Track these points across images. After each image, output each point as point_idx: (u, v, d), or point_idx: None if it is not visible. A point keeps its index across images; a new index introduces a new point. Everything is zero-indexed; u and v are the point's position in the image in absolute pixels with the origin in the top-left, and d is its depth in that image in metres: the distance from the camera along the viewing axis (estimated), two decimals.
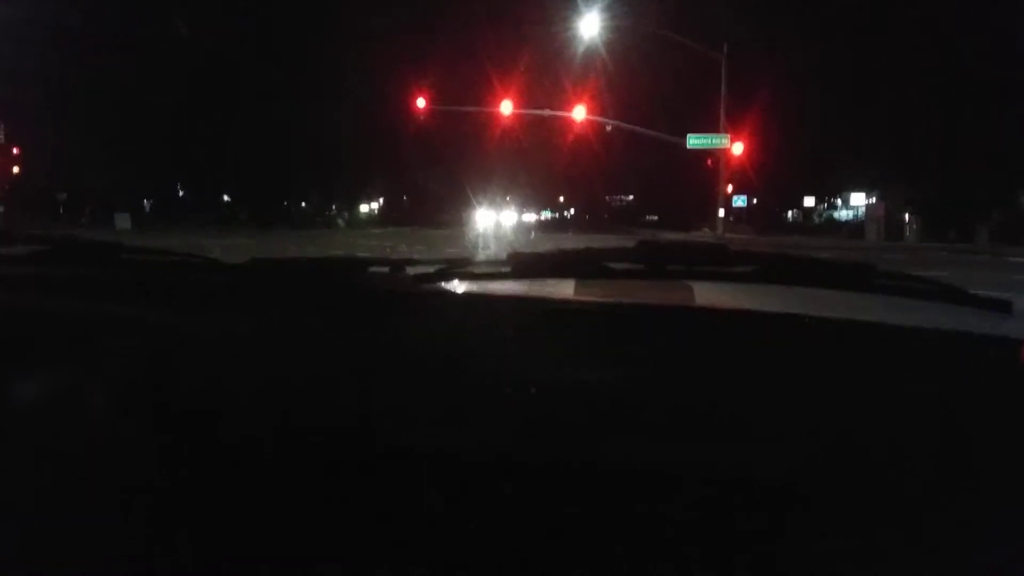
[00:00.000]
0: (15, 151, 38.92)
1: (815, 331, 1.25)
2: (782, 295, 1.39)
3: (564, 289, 1.49)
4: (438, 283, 1.39)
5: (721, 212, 28.51)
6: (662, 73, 33.05)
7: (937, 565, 0.74)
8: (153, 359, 1.10)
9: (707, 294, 1.48)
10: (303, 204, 61.29)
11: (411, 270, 1.46)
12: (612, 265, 1.36)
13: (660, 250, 1.37)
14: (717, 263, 1.36)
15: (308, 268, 1.52)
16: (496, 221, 41.21)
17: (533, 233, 32.59)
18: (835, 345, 1.21)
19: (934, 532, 0.77)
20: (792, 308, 1.30)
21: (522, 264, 1.42)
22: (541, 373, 1.08)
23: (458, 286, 1.44)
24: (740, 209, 34.65)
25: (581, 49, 26.63)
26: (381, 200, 68.86)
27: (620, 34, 26.98)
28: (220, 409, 0.97)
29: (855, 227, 35.07)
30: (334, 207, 60.44)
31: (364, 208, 64.49)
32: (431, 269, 1.40)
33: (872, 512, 0.81)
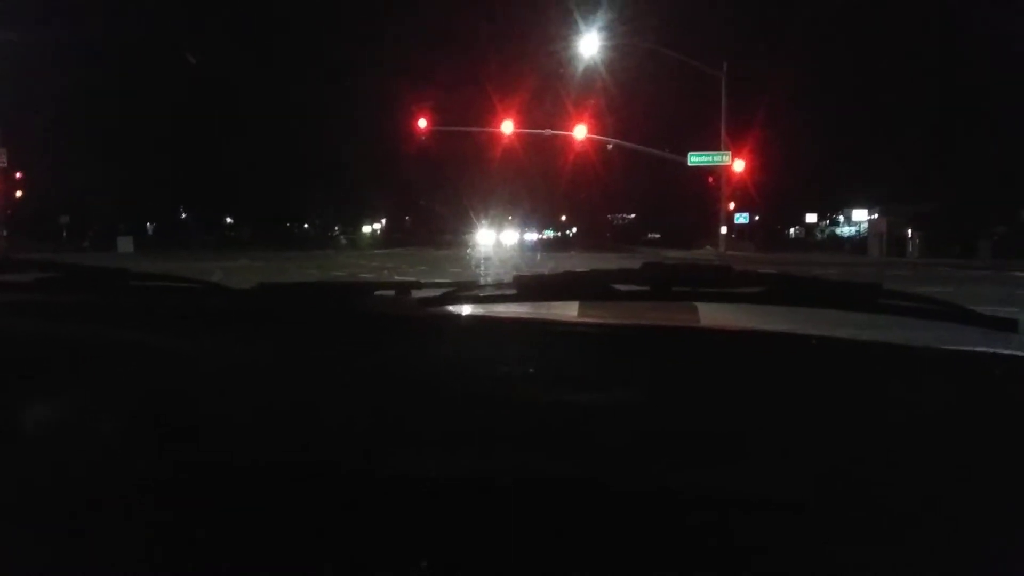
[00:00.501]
0: (18, 175, 39.09)
1: (821, 350, 1.26)
2: (787, 315, 1.39)
3: (569, 311, 1.49)
4: (443, 307, 1.39)
5: (723, 229, 28.53)
6: (663, 92, 33.20)
7: None
8: (157, 386, 1.11)
9: (712, 315, 1.49)
10: (305, 226, 61.47)
11: (417, 294, 1.47)
12: (618, 287, 1.36)
13: (665, 272, 1.37)
14: (722, 284, 1.36)
15: (313, 293, 1.53)
16: (497, 241, 41.29)
17: (539, 255, 32.56)
18: (841, 365, 1.21)
19: (941, 548, 0.78)
20: (797, 328, 1.30)
21: (527, 287, 1.42)
22: (548, 396, 1.09)
23: (463, 309, 1.44)
24: (742, 226, 34.66)
25: (581, 68, 26.77)
26: (383, 221, 69.02)
27: (620, 53, 27.12)
28: (225, 437, 0.97)
29: (857, 243, 35.06)
30: (336, 228, 60.61)
31: (367, 229, 64.66)
32: (437, 292, 1.40)
33: (878, 529, 0.81)
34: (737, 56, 27.83)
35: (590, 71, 27.13)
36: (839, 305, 1.30)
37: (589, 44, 26.10)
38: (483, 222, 42.51)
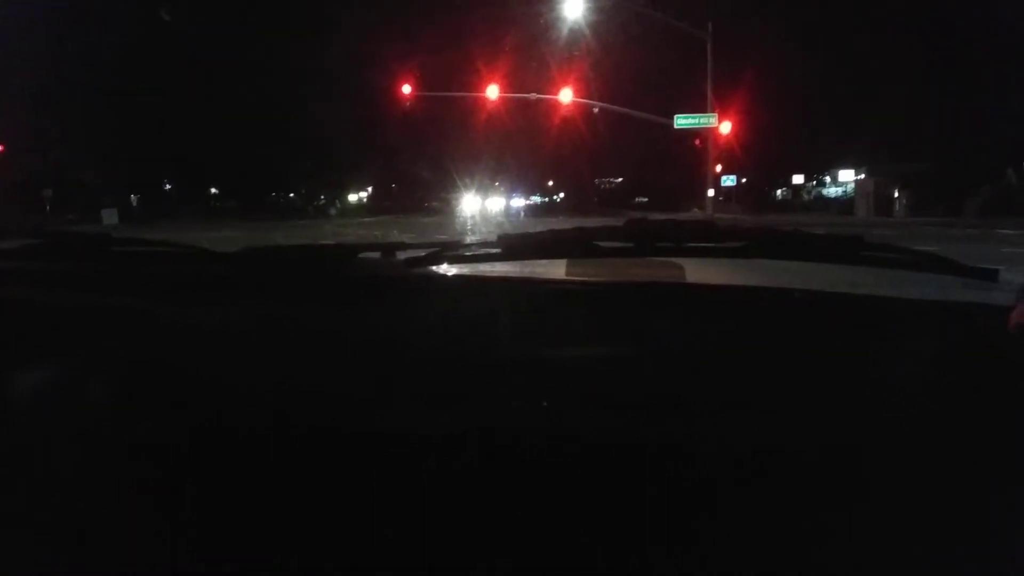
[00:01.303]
0: None
1: (804, 304, 1.26)
2: (777, 274, 1.40)
3: (555, 270, 1.50)
4: (429, 267, 1.39)
5: (710, 192, 28.50)
6: (648, 54, 32.95)
7: (925, 530, 0.75)
8: (142, 350, 1.10)
9: (697, 271, 1.49)
10: (291, 195, 61.04)
11: (402, 255, 1.46)
12: (601, 244, 1.36)
13: (648, 228, 1.37)
14: (705, 239, 1.36)
15: (299, 256, 1.52)
16: (484, 206, 41.18)
17: (523, 215, 32.39)
18: (824, 317, 1.22)
19: (926, 497, 0.78)
20: (781, 282, 1.31)
21: (512, 246, 1.42)
22: (535, 352, 1.09)
23: (449, 269, 1.44)
24: (729, 188, 34.61)
25: (566, 31, 26.58)
26: (370, 189, 68.61)
27: (605, 15, 26.89)
28: (214, 399, 0.97)
29: (844, 204, 35.10)
30: (323, 197, 60.24)
31: (353, 197, 64.28)
32: (422, 253, 1.40)
33: (863, 480, 0.82)
34: (723, 17, 27.62)
35: (575, 34, 26.96)
36: (822, 258, 1.31)
37: (574, 6, 25.88)
38: (470, 189, 42.35)
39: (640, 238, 1.35)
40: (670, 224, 1.38)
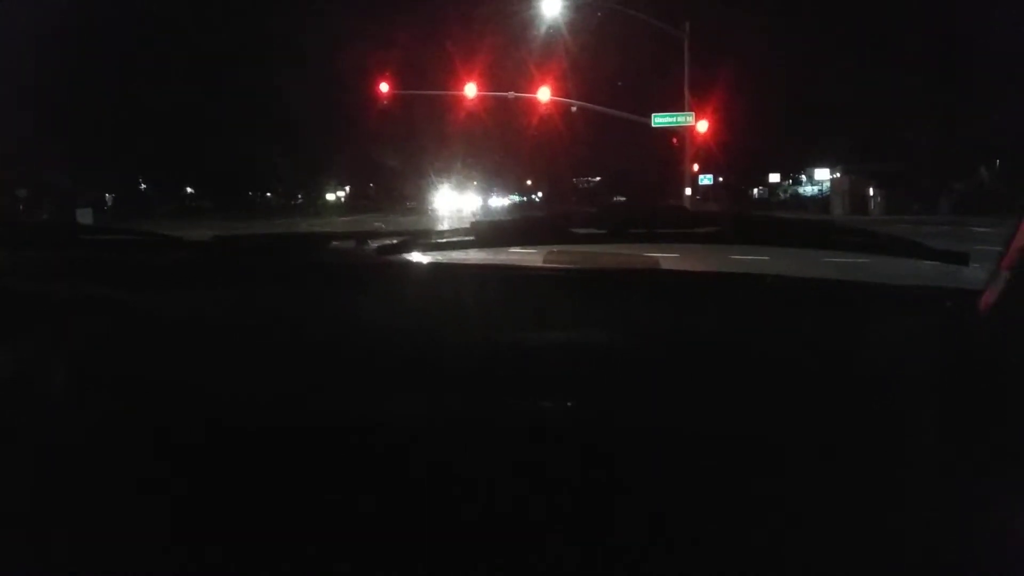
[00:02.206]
0: None
1: (777, 289, 1.27)
2: (762, 263, 1.40)
3: (529, 257, 1.49)
4: (401, 254, 1.38)
5: (688, 191, 28.60)
6: (626, 52, 33.02)
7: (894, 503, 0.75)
8: (113, 337, 1.09)
9: (673, 257, 1.49)
10: (268, 194, 60.70)
11: (374, 243, 1.45)
12: (576, 231, 1.36)
13: (622, 213, 1.37)
14: (678, 225, 1.36)
15: (270, 244, 1.51)
16: (462, 206, 41.13)
17: (504, 214, 32.40)
18: (796, 301, 1.22)
19: (892, 474, 0.79)
20: (755, 268, 1.31)
21: (485, 232, 1.42)
22: (508, 337, 1.09)
23: (422, 257, 1.44)
24: (707, 187, 34.77)
25: (544, 29, 26.57)
26: (347, 188, 68.33)
27: (582, 14, 26.93)
28: (183, 385, 0.96)
29: (821, 202, 35.37)
30: (300, 196, 59.93)
31: (331, 196, 63.98)
32: (394, 241, 1.39)
33: (836, 458, 0.82)
34: (701, 16, 27.75)
35: (553, 32, 26.96)
36: (794, 243, 1.31)
37: (551, 4, 25.89)
38: (448, 188, 42.28)
39: (614, 224, 1.35)
40: (644, 210, 1.38)
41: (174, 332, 1.10)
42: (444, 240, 1.41)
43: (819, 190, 41.77)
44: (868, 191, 29.93)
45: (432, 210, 36.66)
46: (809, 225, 1.36)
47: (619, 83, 32.22)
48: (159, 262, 1.39)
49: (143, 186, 52.28)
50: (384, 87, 26.73)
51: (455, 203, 40.59)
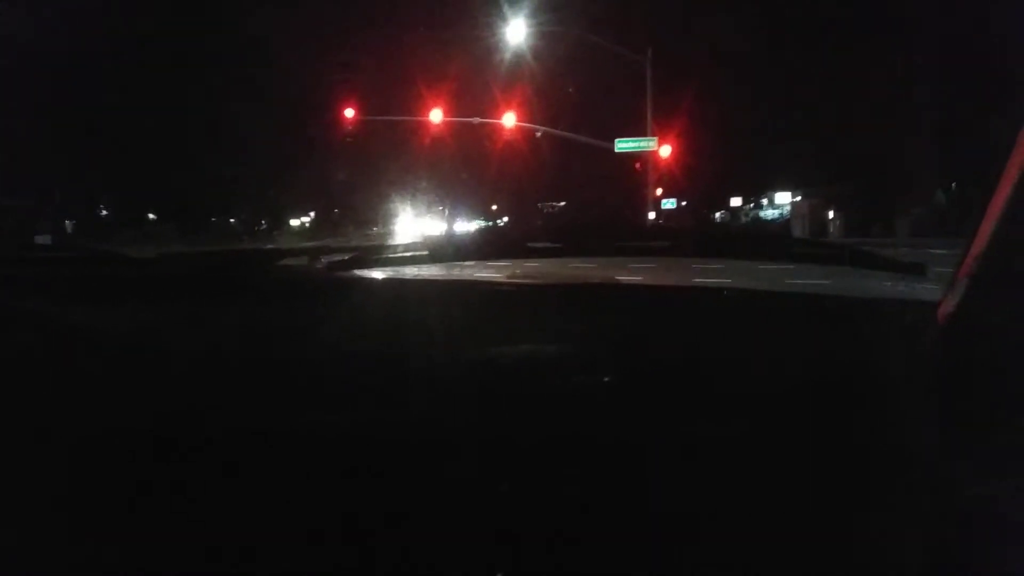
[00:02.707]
0: None
1: (733, 302, 1.25)
2: (731, 277, 1.40)
3: (485, 272, 1.47)
4: (353, 270, 1.35)
5: (651, 215, 28.89)
6: (590, 78, 33.39)
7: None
8: (52, 351, 1.05)
9: (631, 272, 1.48)
10: (232, 220, 60.29)
11: (325, 259, 1.43)
12: (532, 245, 1.34)
13: (579, 228, 1.35)
14: (635, 238, 1.35)
15: (218, 261, 1.47)
16: (424, 232, 41.20)
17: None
18: (753, 312, 1.21)
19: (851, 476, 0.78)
20: (712, 281, 1.29)
21: (439, 247, 1.39)
22: (461, 350, 1.06)
23: (375, 272, 1.41)
24: (670, 211, 35.13)
25: (508, 56, 26.79)
26: (311, 214, 68.13)
27: (547, 40, 27.20)
28: (124, 399, 0.93)
29: (781, 225, 35.94)
30: (264, 222, 59.61)
31: (295, 222, 63.75)
32: (345, 257, 1.36)
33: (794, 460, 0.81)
34: (663, 42, 28.15)
35: (518, 59, 27.18)
36: (752, 255, 1.30)
37: (516, 31, 26.12)
38: (412, 213, 42.33)
39: (569, 238, 1.33)
40: (600, 224, 1.37)
41: (105, 346, 1.07)
42: (397, 255, 1.38)
43: (780, 213, 42.43)
44: (827, 214, 30.48)
45: (394, 235, 36.76)
46: (766, 237, 1.35)
47: (583, 108, 32.53)
48: (99, 276, 1.35)
49: (104, 212, 51.68)
50: (349, 112, 26.75)
51: (420, 228, 40.62)
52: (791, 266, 1.29)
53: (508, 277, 1.44)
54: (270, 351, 1.04)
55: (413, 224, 40.32)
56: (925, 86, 24.92)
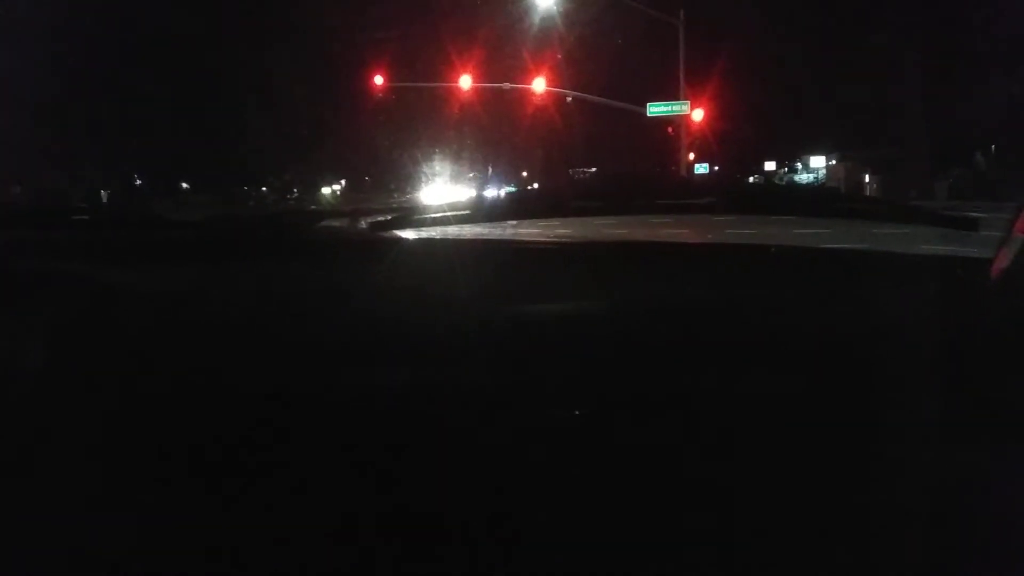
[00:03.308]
0: None
1: (782, 256, 1.24)
2: (769, 236, 1.38)
3: (529, 230, 1.46)
4: (395, 230, 1.36)
5: None
6: (621, 41, 32.97)
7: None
8: (106, 313, 1.06)
9: (677, 228, 1.47)
10: (264, 189, 60.76)
11: (367, 219, 1.43)
12: (577, 203, 1.33)
13: (621, 184, 1.34)
14: (679, 196, 1.34)
15: (261, 223, 1.48)
16: (454, 199, 41.16)
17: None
18: (804, 269, 1.19)
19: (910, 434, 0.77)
20: (758, 239, 1.28)
21: (481, 207, 1.39)
22: (505, 309, 1.06)
23: (417, 232, 1.41)
24: (703, 175, 34.79)
25: (538, 20, 26.54)
26: (343, 182, 68.40)
27: (577, 3, 26.89)
28: (179, 362, 0.94)
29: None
30: (296, 190, 60.00)
31: (326, 190, 64.12)
32: (388, 217, 1.37)
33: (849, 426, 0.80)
34: (696, 4, 27.69)
35: (547, 22, 26.92)
36: (800, 211, 1.28)
37: None
38: (442, 179, 42.34)
39: (615, 195, 1.33)
40: (644, 180, 1.36)
41: (175, 309, 1.09)
42: (440, 215, 1.38)
43: (815, 177, 41.89)
44: (864, 178, 30.03)
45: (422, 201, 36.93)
46: (815, 193, 1.33)
47: (615, 72, 32.17)
48: (154, 239, 1.36)
49: (138, 182, 52.27)
50: (379, 80, 26.72)
51: (449, 194, 40.59)
52: (855, 223, 1.26)
53: (561, 237, 1.44)
54: (335, 309, 1.05)
55: (443, 191, 40.40)
56: (962, 48, 24.40)
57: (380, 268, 1.19)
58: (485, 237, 1.38)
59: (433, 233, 1.38)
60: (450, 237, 1.36)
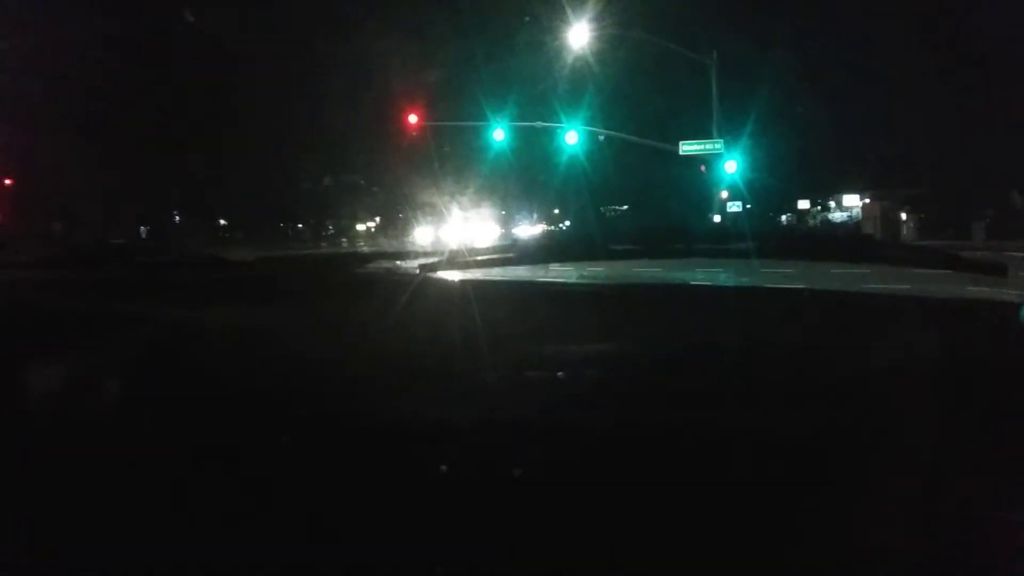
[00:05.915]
0: (7, 182, 38.76)
1: (813, 303, 1.28)
2: (784, 269, 1.42)
3: (568, 272, 1.51)
4: (442, 272, 1.41)
5: (716, 218, 28.50)
6: (654, 81, 33.14)
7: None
8: (165, 351, 1.12)
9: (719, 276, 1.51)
10: (300, 225, 61.33)
11: (415, 261, 1.49)
12: (615, 247, 1.38)
13: (661, 231, 1.39)
14: (715, 241, 1.38)
15: (312, 263, 1.55)
16: (482, 236, 41.39)
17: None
18: (835, 312, 1.23)
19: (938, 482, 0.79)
20: (793, 283, 1.32)
21: (524, 250, 1.44)
22: (548, 349, 1.10)
23: (462, 275, 1.46)
24: (736, 214, 34.57)
25: (571, 59, 26.74)
26: (377, 219, 68.90)
27: (609, 44, 27.09)
28: (235, 397, 0.98)
29: (852, 228, 35.09)
30: (331, 227, 60.50)
31: (361, 227, 64.54)
32: (434, 259, 1.42)
33: (876, 464, 0.82)
34: (728, 43, 27.80)
35: (580, 62, 27.11)
36: (834, 257, 1.32)
37: (578, 35, 26.06)
38: (476, 216, 42.52)
39: (652, 240, 1.37)
40: (680, 227, 1.40)
41: (247, 344, 1.14)
42: (484, 258, 1.44)
43: (849, 215, 41.43)
44: (900, 216, 29.70)
45: (455, 239, 37.11)
46: (849, 239, 1.37)
47: (647, 111, 32.28)
48: (212, 278, 1.42)
49: (177, 219, 52.99)
50: (413, 118, 27.00)
51: (480, 231, 40.61)
52: (889, 268, 1.30)
53: (598, 280, 1.48)
54: (402, 347, 1.10)
55: (476, 227, 40.47)
56: (1001, 86, 24.20)
57: (446, 308, 1.24)
58: (530, 279, 1.43)
59: (478, 275, 1.44)
60: (496, 278, 1.41)
